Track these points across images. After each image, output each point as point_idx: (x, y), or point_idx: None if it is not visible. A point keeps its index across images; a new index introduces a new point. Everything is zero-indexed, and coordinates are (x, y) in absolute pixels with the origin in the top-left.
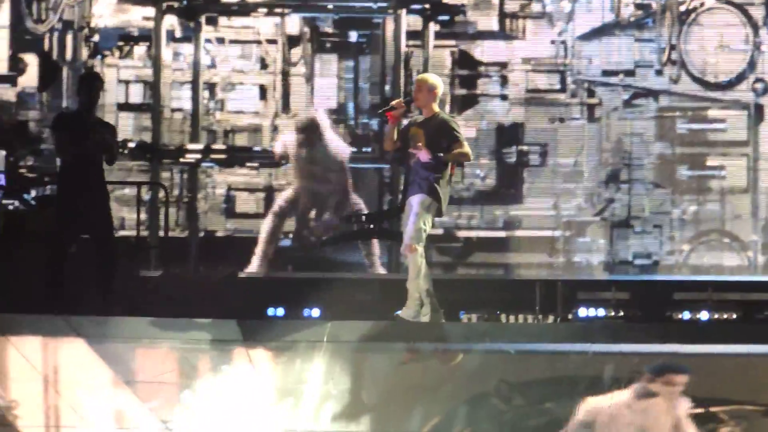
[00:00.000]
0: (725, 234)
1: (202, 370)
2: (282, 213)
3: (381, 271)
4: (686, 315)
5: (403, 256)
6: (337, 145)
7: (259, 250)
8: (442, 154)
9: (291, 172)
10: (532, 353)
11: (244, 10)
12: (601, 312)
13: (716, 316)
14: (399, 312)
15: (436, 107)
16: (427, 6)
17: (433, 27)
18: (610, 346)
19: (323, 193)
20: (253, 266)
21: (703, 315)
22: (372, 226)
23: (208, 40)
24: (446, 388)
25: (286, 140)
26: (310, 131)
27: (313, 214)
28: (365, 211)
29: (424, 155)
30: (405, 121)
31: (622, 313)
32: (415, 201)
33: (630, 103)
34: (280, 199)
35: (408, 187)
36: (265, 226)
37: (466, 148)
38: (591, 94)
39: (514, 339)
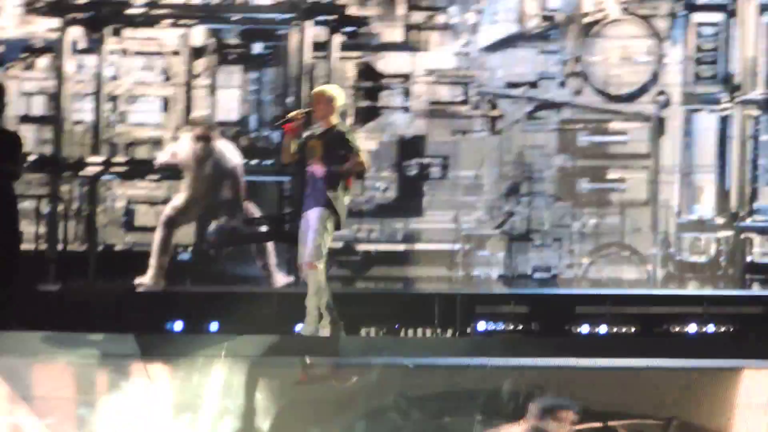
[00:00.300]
0: (625, 247)
1: (100, 385)
2: (171, 223)
3: (281, 283)
4: (585, 329)
5: (302, 272)
6: (231, 154)
7: (153, 262)
8: (337, 167)
9: (182, 182)
10: (431, 367)
11: (149, 22)
12: (499, 326)
13: (615, 329)
14: (299, 329)
15: (335, 119)
16: (331, 18)
17: (337, 39)
18: (508, 360)
19: (215, 202)
20: (148, 279)
21: (602, 329)
22: (270, 228)
23: (111, 52)
24: (344, 402)
25: (176, 149)
26: (202, 140)
27: (208, 223)
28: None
29: (318, 170)
30: (305, 134)
31: (521, 327)
32: (313, 216)
33: (532, 115)
34: (169, 209)
35: (305, 200)
36: (156, 237)
37: (362, 159)
38: (494, 106)
39: (413, 353)
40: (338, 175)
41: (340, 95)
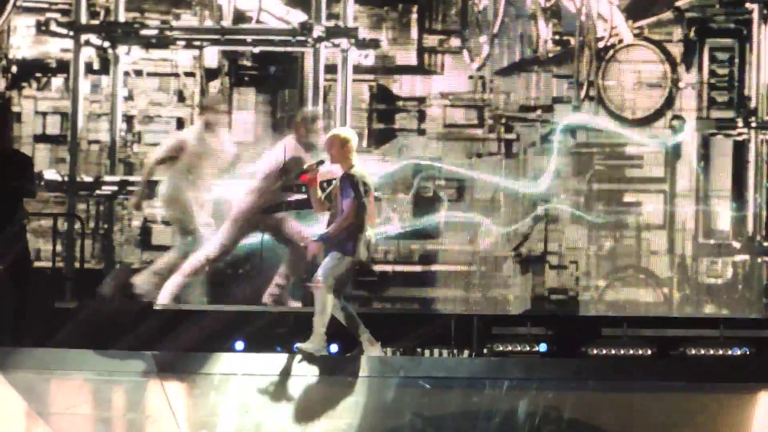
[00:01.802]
0: (641, 270)
1: (117, 402)
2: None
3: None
4: (602, 350)
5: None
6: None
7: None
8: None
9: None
10: (447, 387)
11: (163, 43)
12: (516, 347)
13: (631, 351)
14: (299, 345)
15: (353, 160)
16: (345, 40)
17: (351, 61)
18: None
19: None
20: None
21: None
22: None
23: (126, 73)
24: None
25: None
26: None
27: None
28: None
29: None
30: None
31: (537, 348)
32: (331, 253)
33: (547, 138)
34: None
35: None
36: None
37: (352, 212)
38: (509, 129)
39: (430, 373)
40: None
41: (353, 137)
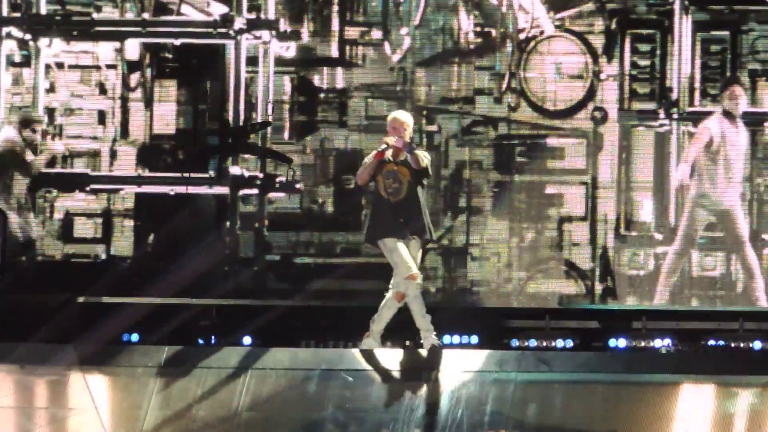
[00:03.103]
0: (563, 262)
1: (39, 394)
2: None
3: None
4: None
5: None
6: None
7: None
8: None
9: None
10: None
11: (85, 35)
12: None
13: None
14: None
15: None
16: (267, 32)
17: (272, 53)
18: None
19: None
20: None
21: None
22: None
23: (47, 65)
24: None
25: None
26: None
27: None
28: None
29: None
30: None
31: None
32: (422, 247)
33: (469, 130)
34: None
35: (395, 227)
36: None
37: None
38: (430, 121)
39: (357, 366)
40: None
41: (411, 120)
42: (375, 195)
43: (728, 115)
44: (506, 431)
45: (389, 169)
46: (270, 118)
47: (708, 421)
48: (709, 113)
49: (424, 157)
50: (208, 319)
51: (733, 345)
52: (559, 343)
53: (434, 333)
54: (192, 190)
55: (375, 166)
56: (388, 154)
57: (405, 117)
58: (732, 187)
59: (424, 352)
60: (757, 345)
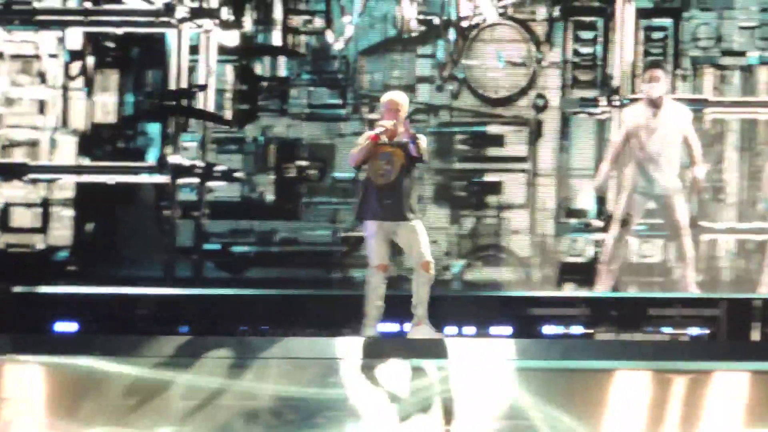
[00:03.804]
0: (502, 249)
1: None
2: None
3: None
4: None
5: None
6: None
7: None
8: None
9: None
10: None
11: (25, 24)
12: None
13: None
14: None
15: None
16: (209, 21)
17: (215, 42)
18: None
19: None
20: None
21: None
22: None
23: None
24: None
25: None
26: None
27: None
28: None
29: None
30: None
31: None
32: (418, 227)
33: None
34: None
35: (384, 209)
36: None
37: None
38: (372, 109)
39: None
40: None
41: (406, 101)
42: (366, 176)
43: (651, 101)
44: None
45: (384, 150)
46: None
47: (645, 407)
48: None
49: (424, 143)
50: (147, 308)
51: (670, 332)
52: (497, 330)
53: (378, 323)
54: (132, 179)
55: (370, 148)
56: (383, 136)
57: (400, 98)
58: (668, 173)
59: (362, 339)
60: (694, 331)
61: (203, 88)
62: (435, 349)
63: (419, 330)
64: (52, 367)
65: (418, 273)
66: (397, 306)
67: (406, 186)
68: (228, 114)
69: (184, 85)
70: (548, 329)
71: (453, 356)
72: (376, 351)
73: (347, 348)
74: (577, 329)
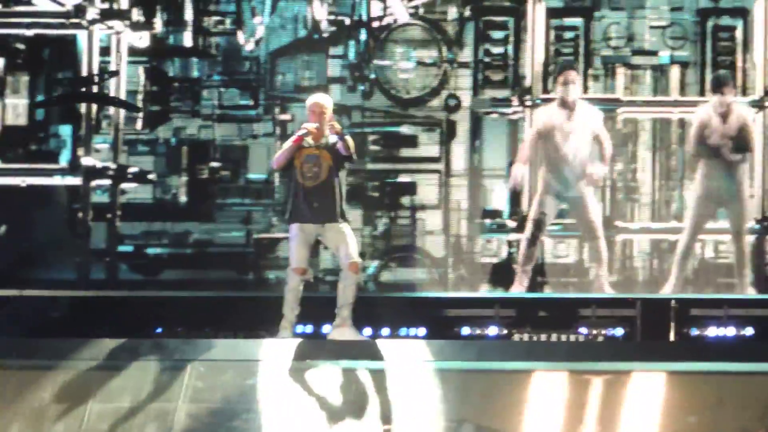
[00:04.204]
0: (416, 250)
1: None
2: None
3: None
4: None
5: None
6: None
7: None
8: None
9: None
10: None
11: None
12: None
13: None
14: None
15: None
16: (120, 22)
17: (126, 43)
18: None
19: None
20: None
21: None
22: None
23: None
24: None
25: None
26: None
27: None
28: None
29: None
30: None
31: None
32: (345, 229)
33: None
34: None
35: (314, 212)
36: None
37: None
38: (283, 110)
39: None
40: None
41: (330, 103)
42: (294, 180)
43: (563, 102)
44: (355, 419)
45: (310, 153)
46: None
47: (560, 408)
48: None
49: (351, 141)
50: (60, 310)
51: (586, 332)
52: (413, 331)
53: (294, 325)
54: (44, 181)
55: (293, 150)
56: (309, 138)
57: (324, 100)
58: (581, 174)
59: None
60: (611, 332)
61: (115, 74)
62: (356, 351)
63: (342, 331)
64: None
65: (345, 274)
66: (315, 308)
67: (335, 187)
68: (139, 115)
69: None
70: (464, 330)
71: (372, 358)
72: (297, 353)
73: (266, 350)
74: (492, 330)
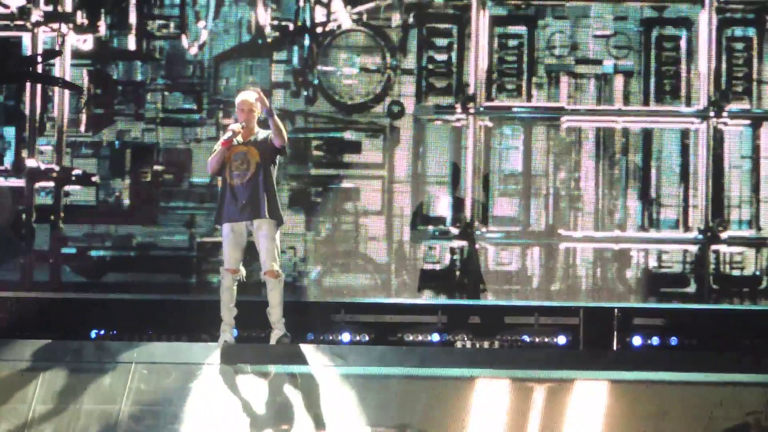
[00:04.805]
0: (359, 256)
1: None
2: None
3: None
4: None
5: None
6: None
7: None
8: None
9: None
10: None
11: None
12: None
13: (351, 337)
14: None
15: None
16: (64, 25)
17: (69, 46)
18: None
19: None
20: None
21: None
22: None
23: None
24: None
25: None
26: None
27: None
28: None
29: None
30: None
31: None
32: (265, 225)
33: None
34: None
35: (241, 210)
36: None
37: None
38: (227, 114)
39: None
40: (273, 181)
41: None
42: (222, 178)
43: None
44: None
45: (237, 150)
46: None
47: (502, 415)
48: (507, 108)
49: (284, 130)
50: (3, 312)
51: (528, 340)
52: (354, 337)
53: (233, 327)
54: None
55: (223, 153)
56: (238, 137)
57: (250, 96)
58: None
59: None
60: (553, 340)
61: (58, 53)
62: (289, 356)
63: (274, 335)
64: None
65: (265, 279)
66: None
67: (264, 183)
68: (83, 118)
69: (38, 89)
70: (407, 336)
71: (308, 363)
72: (233, 357)
73: (208, 353)
74: (435, 336)
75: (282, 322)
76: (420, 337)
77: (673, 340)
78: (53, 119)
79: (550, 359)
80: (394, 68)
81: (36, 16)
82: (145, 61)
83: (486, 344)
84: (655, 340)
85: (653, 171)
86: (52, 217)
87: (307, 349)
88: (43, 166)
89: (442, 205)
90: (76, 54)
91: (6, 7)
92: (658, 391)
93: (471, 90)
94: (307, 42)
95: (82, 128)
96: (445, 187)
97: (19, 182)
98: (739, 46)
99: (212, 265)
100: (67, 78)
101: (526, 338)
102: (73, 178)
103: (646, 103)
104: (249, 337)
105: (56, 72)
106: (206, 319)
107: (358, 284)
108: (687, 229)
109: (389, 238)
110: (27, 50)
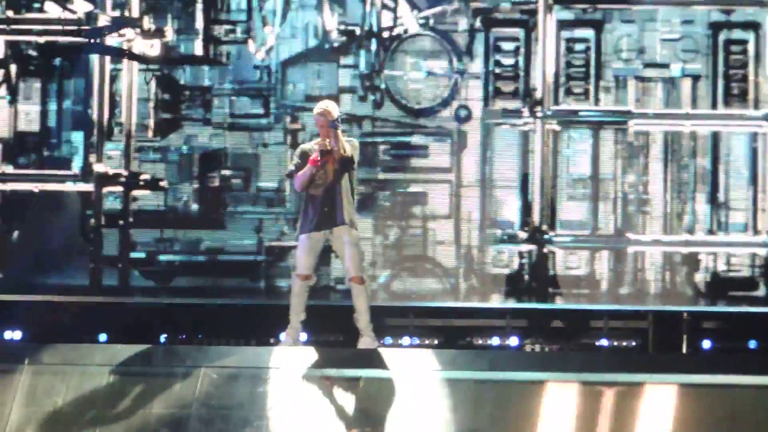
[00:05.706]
0: (427, 260)
1: None
2: None
3: None
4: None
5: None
6: None
7: None
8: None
9: None
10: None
11: None
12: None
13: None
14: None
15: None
16: (131, 30)
17: (137, 51)
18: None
19: None
20: None
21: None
22: None
23: None
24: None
25: None
26: None
27: None
28: None
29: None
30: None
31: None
32: (346, 233)
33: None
34: None
35: (316, 217)
36: None
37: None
38: (294, 119)
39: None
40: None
41: (337, 111)
42: (306, 192)
43: None
44: (363, 430)
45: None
46: None
47: (571, 419)
48: (574, 111)
49: (348, 144)
50: (73, 316)
51: (597, 343)
52: (423, 341)
53: (299, 332)
54: (57, 187)
55: (311, 172)
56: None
57: (330, 106)
58: None
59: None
60: (624, 343)
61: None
62: (367, 360)
63: (363, 341)
64: None
65: (351, 286)
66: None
67: (343, 190)
68: (151, 123)
69: (106, 94)
70: (476, 340)
71: (384, 367)
72: (309, 361)
73: (278, 358)
74: (504, 340)
75: (370, 328)
76: (488, 341)
77: (752, 343)
78: (121, 124)
79: (620, 363)
80: (461, 72)
81: (103, 21)
82: (212, 66)
83: (555, 348)
84: (724, 344)
85: (721, 174)
86: (121, 222)
87: (376, 352)
88: (111, 171)
89: (510, 209)
90: (144, 59)
91: (73, 12)
92: (728, 395)
93: (538, 94)
94: (374, 46)
95: (150, 133)
96: (513, 191)
97: (88, 187)
98: None
99: (280, 270)
100: (134, 84)
101: (597, 342)
102: (142, 182)
103: (713, 106)
104: (317, 341)
105: (123, 78)
106: (274, 324)
107: (426, 288)
108: (756, 232)
109: (457, 242)
110: (94, 57)
